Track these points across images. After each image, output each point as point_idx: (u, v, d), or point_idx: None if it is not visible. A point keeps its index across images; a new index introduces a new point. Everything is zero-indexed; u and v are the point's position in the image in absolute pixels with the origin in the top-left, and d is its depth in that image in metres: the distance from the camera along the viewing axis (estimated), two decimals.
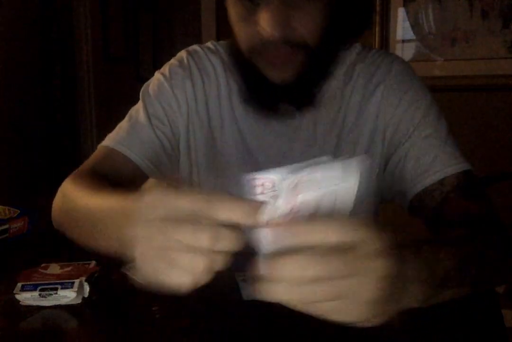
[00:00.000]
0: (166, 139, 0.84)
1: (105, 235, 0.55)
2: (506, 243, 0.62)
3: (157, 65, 0.97)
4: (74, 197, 0.69)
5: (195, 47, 0.90)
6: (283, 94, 0.76)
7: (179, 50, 0.94)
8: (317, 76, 0.78)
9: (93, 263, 0.68)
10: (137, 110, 0.86)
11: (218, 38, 0.81)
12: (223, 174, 0.84)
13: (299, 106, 0.79)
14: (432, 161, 0.78)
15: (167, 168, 0.85)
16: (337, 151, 0.83)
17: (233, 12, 0.74)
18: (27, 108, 2.60)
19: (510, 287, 1.49)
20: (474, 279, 0.54)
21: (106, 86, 3.15)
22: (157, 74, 0.88)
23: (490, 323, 0.54)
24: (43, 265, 0.67)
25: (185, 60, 0.87)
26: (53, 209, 0.77)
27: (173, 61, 0.89)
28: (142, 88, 0.88)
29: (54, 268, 0.65)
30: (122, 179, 0.78)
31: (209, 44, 0.91)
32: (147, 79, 0.93)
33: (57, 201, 0.76)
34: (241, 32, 0.75)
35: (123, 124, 0.85)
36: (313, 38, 0.72)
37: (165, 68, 0.88)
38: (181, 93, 0.85)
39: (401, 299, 0.44)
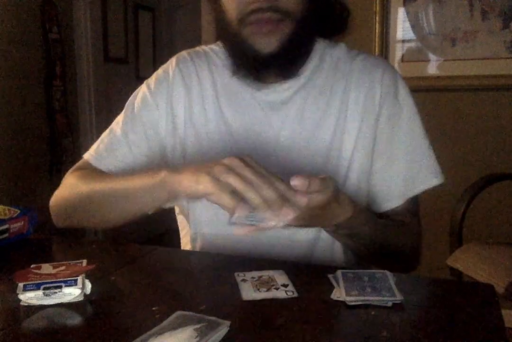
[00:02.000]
0: (142, 152, 0.90)
1: (139, 202, 0.72)
2: (407, 231, 0.85)
3: (157, 65, 0.99)
4: (86, 184, 0.83)
5: (183, 53, 0.94)
6: (268, 63, 0.80)
7: (179, 50, 0.95)
8: (299, 48, 0.82)
9: (85, 261, 0.67)
10: (117, 123, 0.93)
11: (217, 38, 0.81)
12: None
13: (283, 75, 0.84)
14: (406, 179, 0.85)
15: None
16: (329, 153, 0.84)
17: None
18: (27, 109, 2.61)
19: (510, 287, 1.49)
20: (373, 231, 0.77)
21: (106, 86, 3.15)
22: (143, 85, 0.93)
23: (490, 323, 0.54)
24: (33, 265, 0.66)
25: (170, 68, 0.92)
26: (53, 201, 0.89)
27: (159, 70, 0.94)
28: (129, 99, 0.94)
29: (47, 268, 0.64)
30: None
31: (198, 48, 0.95)
32: (147, 79, 0.94)
33: (61, 192, 0.88)
34: (231, 3, 0.79)
35: (104, 139, 0.93)
36: (297, 8, 0.78)
37: (151, 78, 0.93)
38: (161, 99, 0.90)
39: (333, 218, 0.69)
